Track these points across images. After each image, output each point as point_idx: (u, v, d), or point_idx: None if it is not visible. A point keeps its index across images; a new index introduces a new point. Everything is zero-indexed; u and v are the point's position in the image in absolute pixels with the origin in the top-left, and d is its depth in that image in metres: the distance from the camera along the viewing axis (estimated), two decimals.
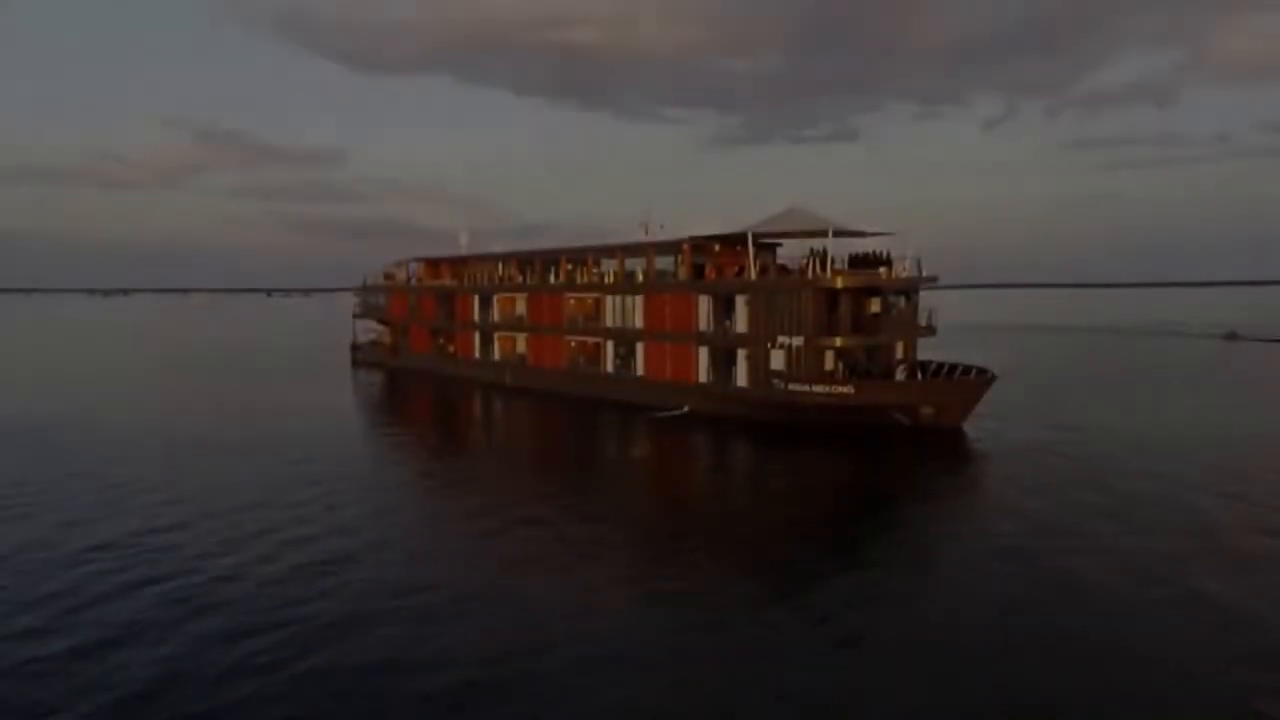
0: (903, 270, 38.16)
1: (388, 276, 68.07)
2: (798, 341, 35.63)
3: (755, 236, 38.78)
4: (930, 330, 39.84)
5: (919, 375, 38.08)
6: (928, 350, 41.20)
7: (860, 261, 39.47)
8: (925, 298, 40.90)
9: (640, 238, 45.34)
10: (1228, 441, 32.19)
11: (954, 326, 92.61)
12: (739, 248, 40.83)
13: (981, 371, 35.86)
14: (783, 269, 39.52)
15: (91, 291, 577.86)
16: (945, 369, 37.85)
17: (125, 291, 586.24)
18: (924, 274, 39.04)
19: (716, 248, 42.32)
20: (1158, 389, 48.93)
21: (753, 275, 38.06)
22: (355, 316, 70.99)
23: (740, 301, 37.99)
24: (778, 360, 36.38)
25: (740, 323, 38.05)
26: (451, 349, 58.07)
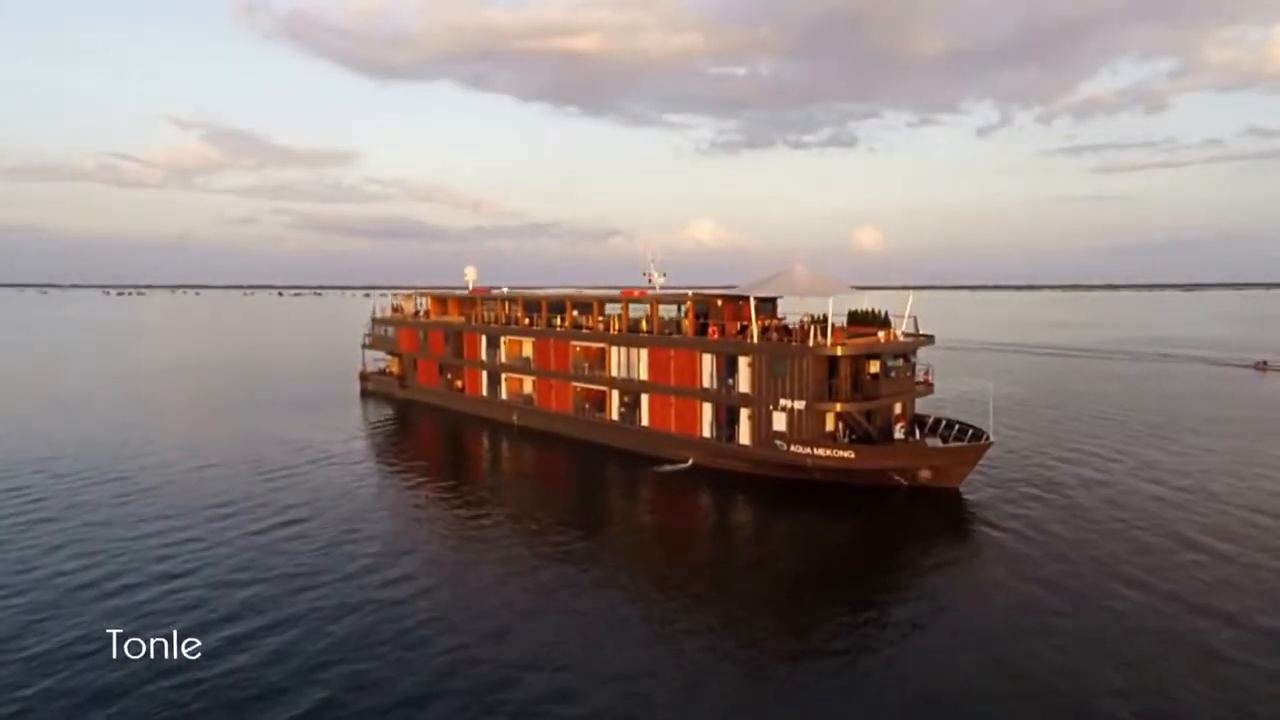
0: (900, 332, 38.80)
1: (395, 309, 68.96)
2: (799, 405, 36.33)
3: (757, 298, 39.65)
4: (928, 387, 40.47)
5: (916, 432, 38.72)
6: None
7: (859, 320, 40.15)
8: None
9: (641, 281, 46.36)
10: None
11: (953, 345, 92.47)
12: (741, 303, 41.59)
13: (978, 435, 36.45)
14: (783, 329, 40.13)
15: (106, 289, 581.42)
16: (942, 425, 38.48)
17: (139, 289, 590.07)
18: (920, 333, 39.67)
19: (719, 302, 43.03)
20: (1191, 435, 45.75)
21: (755, 335, 38.75)
22: (364, 347, 71.81)
23: (743, 362, 38.63)
24: (780, 421, 37.08)
25: (743, 382, 38.70)
26: (459, 384, 58.85)
